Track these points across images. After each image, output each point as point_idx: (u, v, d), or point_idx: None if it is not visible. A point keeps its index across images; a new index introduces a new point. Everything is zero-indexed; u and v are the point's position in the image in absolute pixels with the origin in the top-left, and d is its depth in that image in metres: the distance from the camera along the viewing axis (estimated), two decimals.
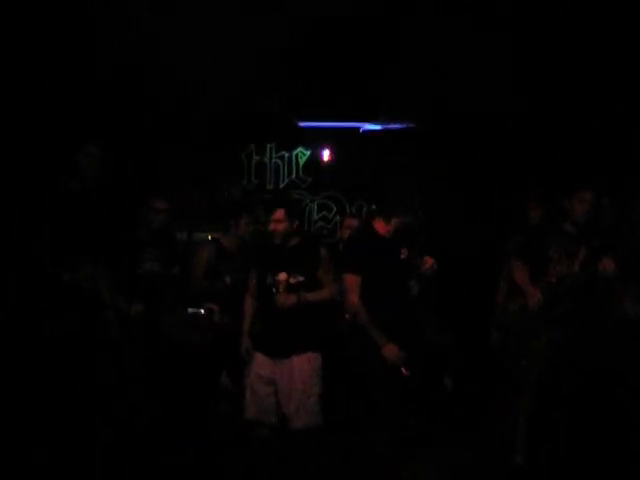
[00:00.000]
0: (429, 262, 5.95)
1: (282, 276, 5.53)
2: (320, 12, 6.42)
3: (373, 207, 8.41)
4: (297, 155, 10.15)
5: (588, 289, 5.73)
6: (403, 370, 5.69)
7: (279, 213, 5.61)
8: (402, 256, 5.86)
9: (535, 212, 7.05)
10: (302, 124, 9.80)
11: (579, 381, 5.69)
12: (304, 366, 5.53)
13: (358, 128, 9.91)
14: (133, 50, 6.00)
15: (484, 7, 6.09)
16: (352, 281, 5.60)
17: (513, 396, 5.91)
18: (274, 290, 5.56)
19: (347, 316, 6.85)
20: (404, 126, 9.81)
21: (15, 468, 5.31)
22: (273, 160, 10.13)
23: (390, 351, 5.51)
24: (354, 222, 7.15)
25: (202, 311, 6.10)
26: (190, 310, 6.39)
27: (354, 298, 5.59)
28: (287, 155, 10.16)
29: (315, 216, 10.15)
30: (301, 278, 5.57)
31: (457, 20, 6.25)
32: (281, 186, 10.09)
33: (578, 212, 5.79)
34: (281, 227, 5.62)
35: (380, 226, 5.75)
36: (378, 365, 5.58)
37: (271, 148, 10.13)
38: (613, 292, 5.84)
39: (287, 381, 5.52)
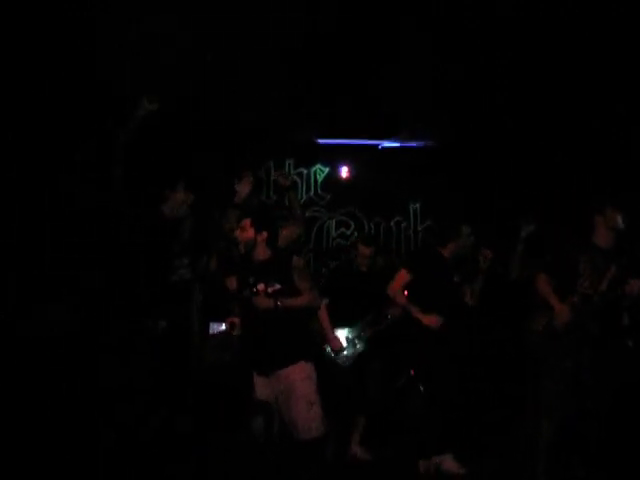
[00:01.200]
0: (488, 254, 6.59)
1: (260, 287, 5.54)
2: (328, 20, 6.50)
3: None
4: (315, 172, 10.17)
5: (614, 308, 5.63)
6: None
7: (245, 222, 5.63)
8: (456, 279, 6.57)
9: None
10: (321, 141, 9.82)
11: (607, 399, 5.59)
12: (299, 375, 5.47)
13: (377, 145, 9.90)
14: (133, 50, 6.04)
15: (484, 7, 6.08)
16: (402, 275, 6.45)
17: (534, 417, 5.77)
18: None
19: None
20: (423, 144, 9.80)
21: (15, 469, 5.29)
22: (291, 176, 10.13)
23: (429, 320, 6.23)
24: (367, 251, 7.09)
25: (224, 326, 6.06)
26: (213, 325, 6.41)
27: (396, 286, 6.42)
28: (305, 172, 10.19)
29: (333, 233, 10.12)
30: (278, 286, 5.53)
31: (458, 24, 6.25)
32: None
33: (607, 228, 5.68)
34: (244, 235, 5.62)
35: (442, 250, 6.53)
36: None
37: (289, 164, 10.16)
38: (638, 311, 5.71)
39: (287, 395, 5.46)
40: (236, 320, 5.79)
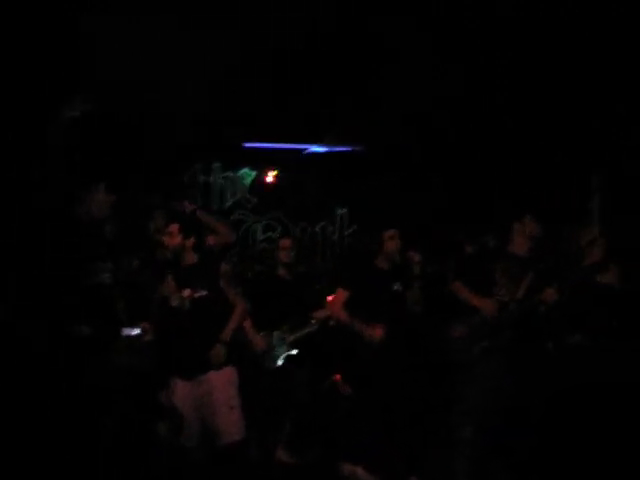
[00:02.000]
0: (415, 256, 6.57)
1: (186, 292, 5.53)
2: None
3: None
4: (242, 175, 10.15)
5: (531, 315, 5.70)
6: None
7: (172, 227, 5.59)
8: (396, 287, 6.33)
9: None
10: (248, 144, 9.79)
11: (527, 404, 5.64)
12: (221, 380, 5.50)
13: (303, 150, 9.94)
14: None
15: (484, 7, 6.12)
16: (340, 295, 6.22)
17: (457, 423, 5.82)
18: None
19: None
20: (350, 149, 9.85)
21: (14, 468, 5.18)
22: (218, 180, 10.12)
23: (373, 332, 6.01)
24: (287, 242, 7.11)
25: (137, 331, 5.99)
26: (124, 330, 6.33)
27: (336, 307, 6.23)
28: (232, 175, 10.16)
29: (259, 237, 10.13)
30: (204, 292, 5.54)
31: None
32: (226, 206, 10.05)
33: (525, 237, 5.80)
34: (172, 241, 5.59)
35: (376, 262, 6.30)
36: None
37: (216, 168, 10.13)
38: (554, 318, 5.81)
39: (207, 399, 5.48)
40: (147, 326, 5.73)
